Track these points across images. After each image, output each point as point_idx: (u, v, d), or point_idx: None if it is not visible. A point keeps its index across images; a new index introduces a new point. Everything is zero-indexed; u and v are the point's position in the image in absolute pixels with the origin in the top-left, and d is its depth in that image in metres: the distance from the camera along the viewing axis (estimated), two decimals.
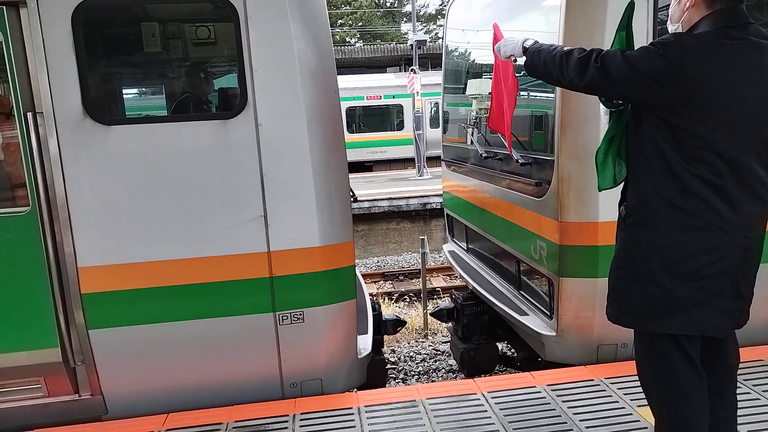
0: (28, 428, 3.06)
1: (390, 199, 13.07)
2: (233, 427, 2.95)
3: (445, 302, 5.87)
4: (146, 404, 3.17)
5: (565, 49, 2.17)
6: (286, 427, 2.93)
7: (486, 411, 3.00)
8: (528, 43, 2.36)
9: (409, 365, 6.82)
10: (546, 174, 3.68)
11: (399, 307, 8.97)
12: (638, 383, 3.21)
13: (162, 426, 2.99)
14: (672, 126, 1.96)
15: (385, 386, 5.00)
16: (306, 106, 3.04)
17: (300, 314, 3.15)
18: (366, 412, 3.04)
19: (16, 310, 2.97)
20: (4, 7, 2.80)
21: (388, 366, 6.51)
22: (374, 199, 12.97)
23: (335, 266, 3.24)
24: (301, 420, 2.99)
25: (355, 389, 3.53)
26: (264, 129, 3.01)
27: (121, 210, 2.97)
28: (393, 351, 7.08)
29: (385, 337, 5.06)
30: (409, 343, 7.47)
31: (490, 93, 4.68)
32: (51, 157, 2.91)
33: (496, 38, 2.83)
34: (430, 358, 6.98)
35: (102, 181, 2.95)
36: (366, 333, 3.80)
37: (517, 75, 3.31)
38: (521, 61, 2.45)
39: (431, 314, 5.52)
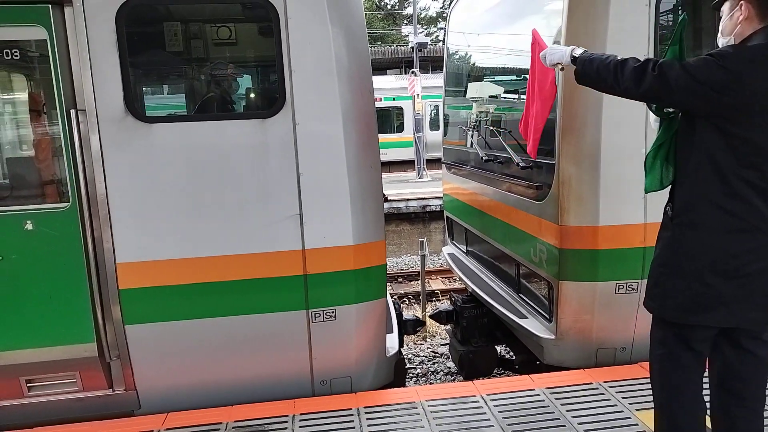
0: (61, 422, 3.09)
1: (389, 201, 13.07)
2: (233, 427, 2.95)
3: (444, 305, 5.88)
4: (179, 400, 3.19)
5: (619, 58, 2.24)
6: (286, 428, 2.93)
7: (485, 413, 3.01)
8: (577, 52, 2.42)
9: (408, 367, 6.83)
10: (546, 178, 3.69)
11: None
12: (637, 387, 3.24)
13: (161, 425, 3.00)
14: (727, 133, 2.07)
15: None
16: (342, 106, 3.09)
17: (332, 312, 3.18)
18: (366, 413, 3.05)
19: (55, 306, 3.01)
20: (50, 5, 2.84)
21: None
22: None
23: (367, 265, 3.28)
24: (300, 421, 2.99)
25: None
26: (301, 128, 3.05)
27: (160, 207, 3.01)
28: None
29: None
30: (407, 346, 7.47)
31: (508, 97, 4.69)
32: (92, 154, 2.94)
33: (536, 44, 2.86)
34: (428, 360, 6.99)
35: (142, 178, 2.99)
36: (392, 332, 3.83)
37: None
38: (568, 68, 2.50)
39: (430, 316, 5.53)
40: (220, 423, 2.99)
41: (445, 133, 6.70)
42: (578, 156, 3.47)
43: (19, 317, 3.01)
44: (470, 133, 5.31)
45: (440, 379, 6.52)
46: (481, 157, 4.83)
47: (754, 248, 2.10)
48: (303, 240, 3.10)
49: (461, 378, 5.53)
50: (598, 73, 2.29)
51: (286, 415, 3.04)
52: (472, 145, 5.18)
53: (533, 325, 3.97)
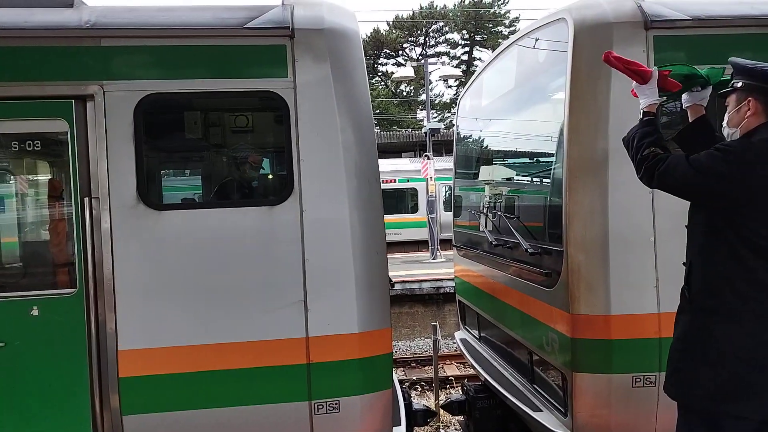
0: None
1: (402, 281, 12.95)
2: None
3: (456, 394, 5.65)
4: None
5: (644, 152, 2.30)
6: None
7: None
8: (644, 107, 2.48)
9: None
10: (555, 264, 3.64)
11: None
12: None
13: None
14: (738, 222, 2.07)
15: None
16: (349, 194, 3.15)
17: (336, 403, 3.08)
18: None
19: (53, 394, 2.96)
20: (73, 100, 3.00)
21: None
22: None
23: (373, 353, 3.21)
24: None
25: None
26: (308, 215, 3.10)
27: (166, 293, 3.02)
28: None
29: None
30: None
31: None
32: (102, 240, 2.99)
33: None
34: None
35: (149, 264, 3.02)
36: (400, 425, 3.66)
37: None
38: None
39: (442, 407, 5.31)
40: None
41: (456, 215, 6.73)
42: (586, 243, 3.43)
43: (16, 407, 2.94)
44: (480, 216, 5.32)
45: None
46: (491, 242, 4.81)
47: None
48: (307, 327, 3.05)
49: None
50: (629, 150, 2.42)
51: None
52: (484, 229, 5.17)
53: (548, 419, 3.77)
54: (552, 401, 3.87)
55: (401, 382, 9.09)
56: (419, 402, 4.86)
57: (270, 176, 3.78)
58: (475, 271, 5.52)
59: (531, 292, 4.04)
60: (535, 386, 4.22)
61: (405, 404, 4.28)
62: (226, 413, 3.02)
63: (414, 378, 9.24)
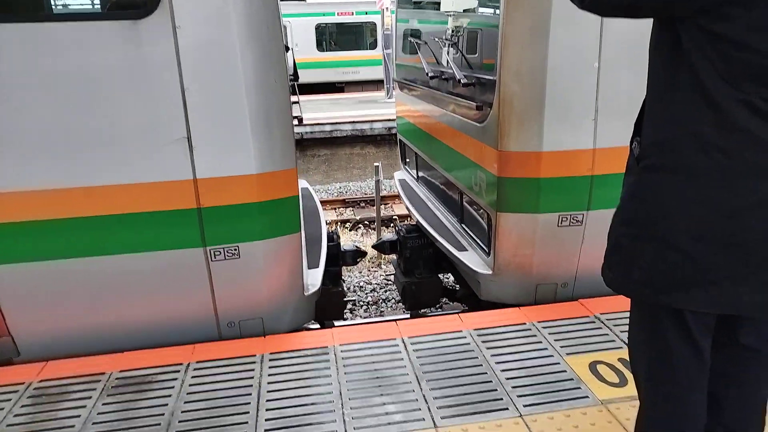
0: None
1: (353, 122, 12.49)
2: (116, 378, 2.63)
3: (389, 234, 5.57)
4: (66, 345, 2.85)
5: None
6: (176, 378, 2.62)
7: (402, 359, 2.73)
8: None
9: (359, 295, 6.63)
10: (487, 96, 3.25)
11: (355, 235, 8.71)
12: (572, 328, 2.99)
13: (36, 376, 2.67)
14: (716, 37, 1.40)
15: (341, 318, 4.78)
16: (235, 5, 2.54)
17: (235, 249, 2.82)
18: (270, 360, 2.75)
19: None
20: None
21: (347, 298, 6.32)
22: (336, 122, 12.36)
23: (275, 197, 2.88)
24: (195, 370, 2.69)
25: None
26: (183, 33, 2.52)
27: (17, 130, 2.52)
28: (343, 281, 6.86)
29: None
30: (361, 273, 7.26)
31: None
32: None
33: None
34: (380, 288, 6.79)
35: None
36: (317, 267, 3.49)
37: None
38: None
39: (373, 246, 5.23)
40: (102, 374, 2.66)
41: (401, 49, 6.11)
42: (522, 71, 3.01)
43: None
44: (421, 47, 4.76)
45: (391, 307, 6.34)
46: (428, 74, 4.34)
47: (759, 202, 1.44)
48: (194, 168, 2.65)
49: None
50: None
51: (180, 364, 2.73)
52: (423, 62, 4.64)
53: (471, 258, 3.67)
54: (478, 241, 3.75)
55: (346, 222, 9.14)
56: (351, 243, 4.74)
57: None
58: (415, 108, 5.11)
59: (463, 128, 3.70)
60: (463, 226, 4.08)
61: (333, 245, 4.13)
62: (113, 261, 2.73)
63: (359, 218, 9.27)
